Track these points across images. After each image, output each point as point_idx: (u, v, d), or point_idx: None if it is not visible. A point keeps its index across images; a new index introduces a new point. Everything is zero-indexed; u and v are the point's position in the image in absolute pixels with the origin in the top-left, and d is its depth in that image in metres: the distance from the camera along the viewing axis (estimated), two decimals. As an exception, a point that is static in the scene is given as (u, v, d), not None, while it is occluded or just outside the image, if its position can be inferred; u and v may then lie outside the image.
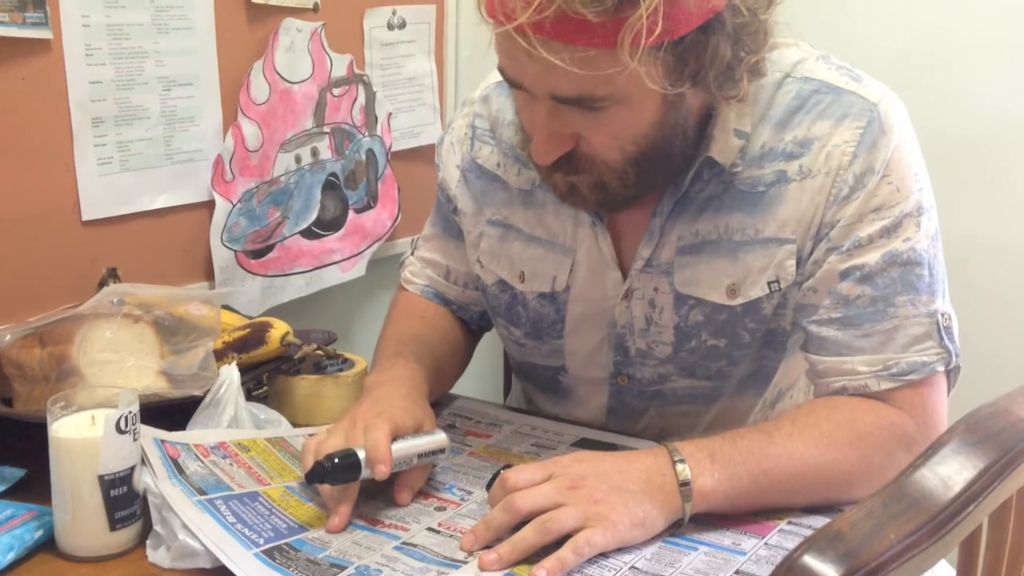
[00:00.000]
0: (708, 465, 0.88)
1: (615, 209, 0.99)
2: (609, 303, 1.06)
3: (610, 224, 1.05)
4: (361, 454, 0.88)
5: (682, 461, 0.87)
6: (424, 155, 1.80)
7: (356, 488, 0.89)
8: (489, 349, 1.32)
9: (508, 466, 0.91)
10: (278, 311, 1.52)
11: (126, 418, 0.84)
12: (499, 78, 1.13)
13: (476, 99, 1.15)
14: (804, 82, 0.98)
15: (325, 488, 0.89)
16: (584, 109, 0.87)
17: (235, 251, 1.45)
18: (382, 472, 0.88)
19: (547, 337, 1.11)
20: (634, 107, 0.88)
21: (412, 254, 1.26)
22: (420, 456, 0.92)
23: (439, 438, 0.94)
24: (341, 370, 1.15)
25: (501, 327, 1.16)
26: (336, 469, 0.87)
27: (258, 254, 1.49)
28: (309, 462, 0.89)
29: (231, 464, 0.95)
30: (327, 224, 1.61)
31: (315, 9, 1.53)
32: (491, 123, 1.12)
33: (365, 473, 0.88)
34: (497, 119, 1.11)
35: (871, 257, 0.94)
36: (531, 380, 1.19)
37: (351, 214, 1.65)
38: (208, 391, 1.00)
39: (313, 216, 1.58)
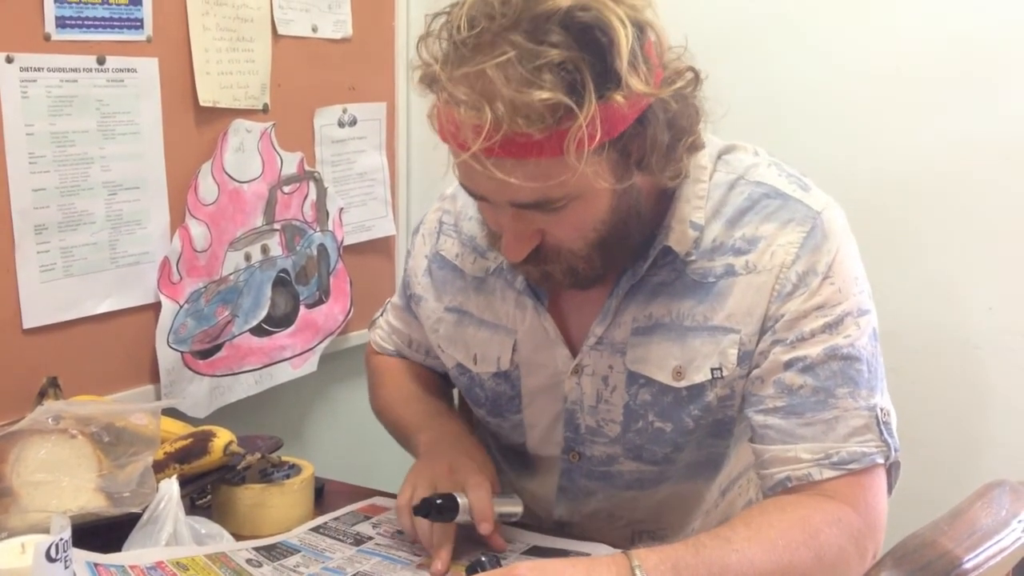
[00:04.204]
0: None
1: (586, 287, 1.03)
2: (560, 378, 1.09)
3: (554, 304, 1.09)
4: (461, 501, 0.99)
5: None
6: (377, 248, 1.81)
7: (454, 533, 1.00)
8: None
9: (478, 564, 0.93)
10: (227, 411, 1.50)
11: (57, 545, 0.82)
12: None
13: (447, 196, 1.23)
14: (756, 186, 1.04)
15: (424, 528, 1.01)
16: (544, 211, 0.93)
17: (181, 352, 1.44)
18: (487, 529, 1.00)
19: (507, 413, 1.15)
20: (589, 200, 0.94)
21: (382, 315, 1.33)
22: (500, 515, 1.04)
23: (518, 502, 1.07)
24: (288, 477, 1.14)
25: (469, 406, 1.22)
26: (440, 509, 0.98)
27: (206, 354, 1.48)
28: (405, 519, 1.02)
29: (168, 585, 0.93)
30: (278, 321, 1.60)
31: (265, 110, 1.54)
32: (455, 218, 1.19)
33: (460, 518, 0.99)
34: (460, 214, 1.18)
35: (813, 350, 0.98)
36: (499, 449, 1.23)
37: (302, 309, 1.64)
38: (146, 508, 0.98)
39: (263, 313, 1.57)
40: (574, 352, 1.08)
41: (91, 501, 0.97)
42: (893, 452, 0.98)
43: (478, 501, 0.99)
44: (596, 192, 0.93)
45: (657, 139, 0.92)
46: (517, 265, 1.02)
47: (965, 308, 1.54)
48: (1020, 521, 0.83)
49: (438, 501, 0.98)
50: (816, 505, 0.95)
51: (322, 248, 1.67)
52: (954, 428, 1.57)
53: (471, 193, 0.97)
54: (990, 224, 1.51)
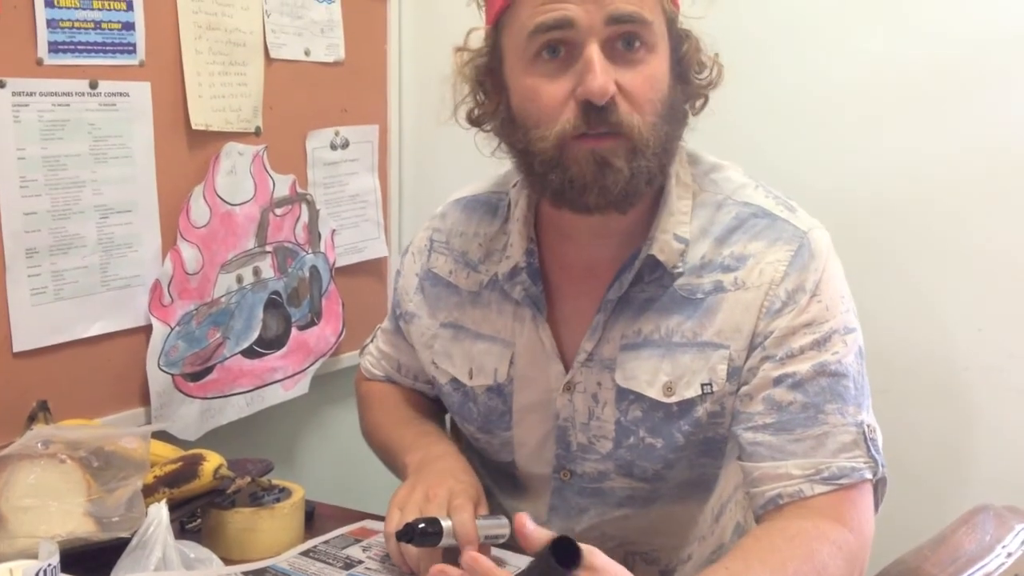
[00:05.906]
0: None
1: (632, 200, 1.01)
2: (553, 394, 1.10)
3: (552, 317, 1.10)
4: (445, 524, 0.98)
5: None
6: (369, 269, 1.82)
7: (441, 556, 0.99)
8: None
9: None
10: (217, 433, 1.50)
11: (45, 571, 0.82)
12: (456, 196, 1.22)
13: (437, 215, 1.24)
14: (744, 206, 1.06)
15: (411, 553, 1.00)
16: (632, 41, 0.97)
17: (172, 375, 1.44)
18: (472, 551, 0.98)
19: (496, 430, 1.15)
20: (659, 60, 0.99)
21: (372, 342, 1.35)
22: (487, 537, 1.02)
23: (504, 523, 1.04)
24: (278, 500, 1.14)
25: (458, 424, 1.22)
26: (424, 533, 0.97)
27: (196, 376, 1.48)
28: (393, 546, 1.01)
29: (156, 611, 0.92)
30: (269, 342, 1.60)
31: (257, 132, 1.55)
32: (446, 235, 1.20)
33: (445, 541, 0.98)
34: (451, 231, 1.20)
35: (802, 366, 1.00)
36: (487, 470, 1.23)
37: (294, 331, 1.64)
38: (135, 533, 0.98)
39: (255, 335, 1.57)
40: (567, 369, 1.09)
41: (80, 526, 0.97)
42: (880, 468, 0.99)
43: (461, 524, 0.99)
44: (663, 55, 0.99)
45: (689, 53, 1.03)
46: (570, 157, 0.99)
47: (954, 329, 1.55)
48: (1004, 547, 0.83)
49: (421, 525, 0.97)
50: (818, 532, 0.95)
51: (314, 270, 1.67)
52: (941, 450, 1.57)
53: (558, 29, 0.97)
54: (980, 244, 1.52)
